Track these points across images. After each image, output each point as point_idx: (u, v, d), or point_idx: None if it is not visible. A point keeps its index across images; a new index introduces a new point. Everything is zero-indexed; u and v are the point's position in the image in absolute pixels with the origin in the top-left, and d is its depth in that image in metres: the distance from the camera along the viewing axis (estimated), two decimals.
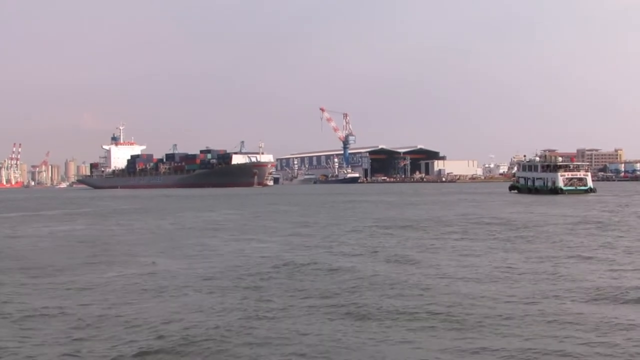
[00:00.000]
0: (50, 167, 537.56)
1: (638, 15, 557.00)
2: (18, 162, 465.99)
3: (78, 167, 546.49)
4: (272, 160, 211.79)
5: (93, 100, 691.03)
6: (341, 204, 66.27)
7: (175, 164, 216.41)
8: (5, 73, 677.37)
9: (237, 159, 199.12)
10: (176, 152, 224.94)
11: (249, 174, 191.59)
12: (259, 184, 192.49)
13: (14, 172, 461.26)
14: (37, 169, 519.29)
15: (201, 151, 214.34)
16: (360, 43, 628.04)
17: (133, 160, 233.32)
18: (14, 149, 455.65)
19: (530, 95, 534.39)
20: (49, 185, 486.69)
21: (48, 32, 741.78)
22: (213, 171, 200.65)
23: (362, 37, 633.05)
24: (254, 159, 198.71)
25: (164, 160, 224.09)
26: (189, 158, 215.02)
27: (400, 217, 42.34)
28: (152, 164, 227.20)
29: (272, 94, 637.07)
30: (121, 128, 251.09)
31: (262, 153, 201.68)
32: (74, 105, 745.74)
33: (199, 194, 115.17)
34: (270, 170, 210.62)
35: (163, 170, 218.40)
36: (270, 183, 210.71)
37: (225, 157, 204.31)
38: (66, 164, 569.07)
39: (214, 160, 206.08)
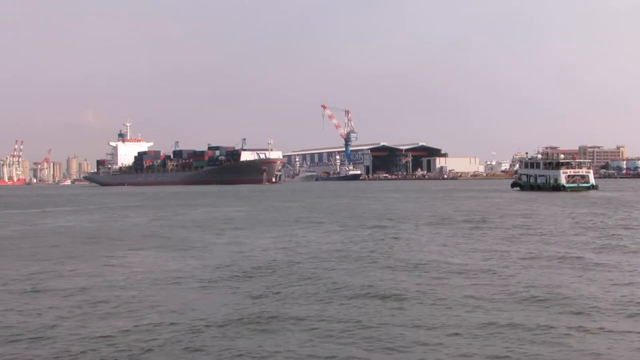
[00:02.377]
0: (52, 164, 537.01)
1: None
2: (20, 159, 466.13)
3: (80, 164, 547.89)
4: (280, 156, 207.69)
5: (95, 98, 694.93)
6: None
7: (183, 161, 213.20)
8: (7, 70, 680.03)
9: (245, 156, 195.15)
10: (182, 148, 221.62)
11: (257, 171, 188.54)
12: (268, 181, 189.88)
13: (16, 170, 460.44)
14: (39, 166, 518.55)
15: (209, 148, 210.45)
16: (362, 41, 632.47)
17: (140, 157, 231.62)
18: (16, 146, 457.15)
19: (533, 93, 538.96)
20: (51, 182, 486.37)
21: (50, 29, 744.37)
22: (221, 168, 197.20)
23: (365, 35, 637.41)
24: (262, 156, 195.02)
25: (172, 157, 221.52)
26: (196, 155, 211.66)
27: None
28: (159, 161, 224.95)
29: (274, 92, 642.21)
30: (128, 125, 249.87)
31: (271, 150, 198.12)
32: (76, 103, 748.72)
33: (215, 191, 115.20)
34: (279, 167, 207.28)
35: (170, 167, 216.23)
36: (273, 180, 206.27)
37: (234, 154, 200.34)
38: (68, 161, 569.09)
39: (222, 157, 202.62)
